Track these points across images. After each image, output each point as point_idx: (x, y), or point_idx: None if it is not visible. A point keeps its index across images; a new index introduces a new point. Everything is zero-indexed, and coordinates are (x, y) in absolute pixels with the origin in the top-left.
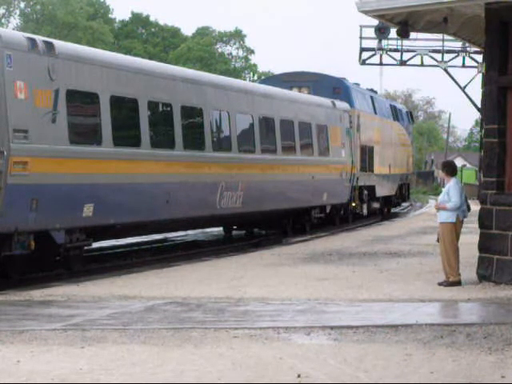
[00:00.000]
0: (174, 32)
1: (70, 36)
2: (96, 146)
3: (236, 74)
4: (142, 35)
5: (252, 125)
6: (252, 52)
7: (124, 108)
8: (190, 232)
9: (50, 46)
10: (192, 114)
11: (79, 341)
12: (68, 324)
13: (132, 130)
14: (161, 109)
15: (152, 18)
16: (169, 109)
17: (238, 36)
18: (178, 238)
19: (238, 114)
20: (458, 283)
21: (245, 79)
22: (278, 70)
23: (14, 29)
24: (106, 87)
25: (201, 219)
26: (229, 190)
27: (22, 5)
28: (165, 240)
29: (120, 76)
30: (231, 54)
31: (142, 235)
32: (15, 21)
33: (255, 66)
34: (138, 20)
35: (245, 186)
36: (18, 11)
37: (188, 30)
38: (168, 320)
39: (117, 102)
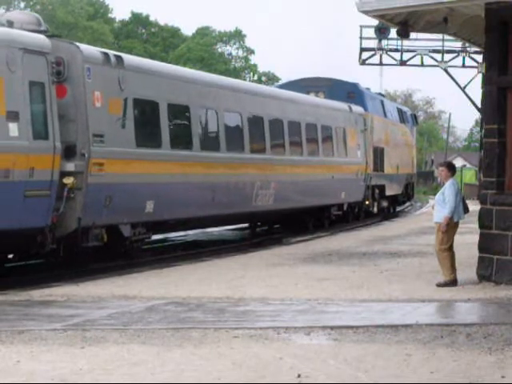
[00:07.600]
0: (174, 32)
1: (70, 36)
2: (157, 148)
3: (236, 74)
4: (142, 35)
5: (282, 128)
6: (252, 52)
7: (178, 114)
8: (190, 232)
9: (119, 59)
10: (232, 119)
11: (79, 341)
12: (68, 324)
13: (185, 134)
14: (208, 115)
15: (152, 18)
16: (215, 115)
17: (238, 36)
18: (178, 238)
19: (271, 119)
20: (453, 282)
21: (245, 79)
22: (277, 70)
23: None
24: (164, 96)
25: (239, 215)
26: (263, 188)
27: (22, 5)
28: (165, 240)
29: (174, 85)
30: (231, 54)
31: (190, 230)
32: None
33: (255, 66)
34: (138, 20)
35: (276, 185)
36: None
37: (188, 30)
38: (168, 320)
39: (172, 109)
